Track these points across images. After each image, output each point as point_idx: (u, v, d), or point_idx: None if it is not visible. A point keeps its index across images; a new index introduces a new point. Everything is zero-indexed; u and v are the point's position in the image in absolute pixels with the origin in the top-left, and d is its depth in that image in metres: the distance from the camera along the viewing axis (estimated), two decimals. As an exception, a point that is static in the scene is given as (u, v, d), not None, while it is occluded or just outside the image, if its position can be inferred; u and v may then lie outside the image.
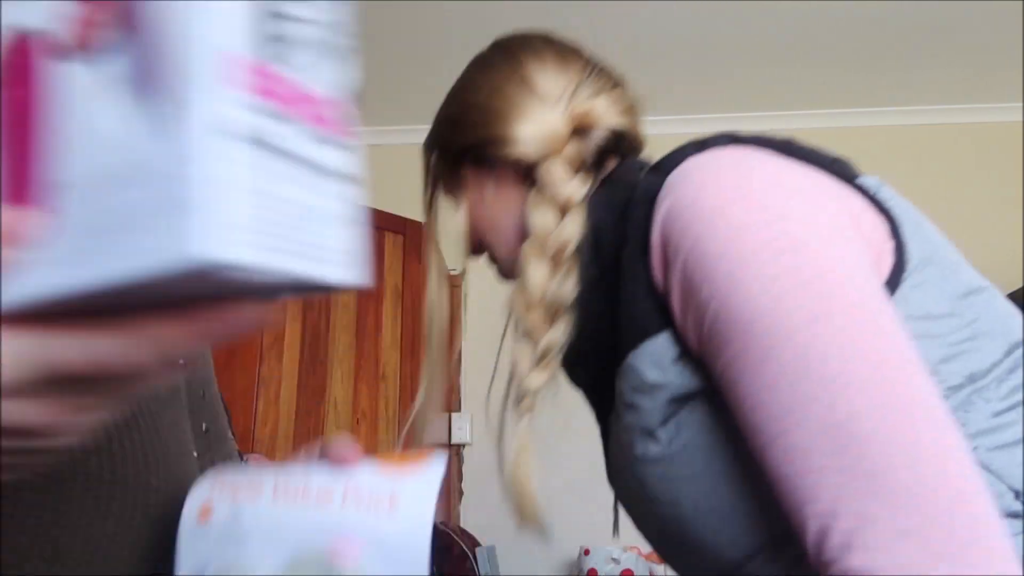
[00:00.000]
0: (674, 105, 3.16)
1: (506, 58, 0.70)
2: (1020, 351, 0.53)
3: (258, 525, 0.45)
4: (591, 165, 0.67)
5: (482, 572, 2.53)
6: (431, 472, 0.46)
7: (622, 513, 0.80)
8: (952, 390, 0.50)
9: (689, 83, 3.03)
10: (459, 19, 2.66)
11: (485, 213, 0.71)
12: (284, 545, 0.44)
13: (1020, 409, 0.51)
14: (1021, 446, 0.50)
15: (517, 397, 0.62)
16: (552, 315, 0.61)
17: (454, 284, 3.58)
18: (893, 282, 0.51)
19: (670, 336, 0.54)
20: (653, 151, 3.09)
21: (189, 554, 0.45)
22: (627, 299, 0.56)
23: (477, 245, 0.74)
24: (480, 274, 3.58)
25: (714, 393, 0.52)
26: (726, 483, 0.53)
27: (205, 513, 0.46)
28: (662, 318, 0.54)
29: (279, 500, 0.45)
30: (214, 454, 0.61)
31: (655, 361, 0.54)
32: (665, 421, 0.54)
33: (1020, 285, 2.49)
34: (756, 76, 2.87)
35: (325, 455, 0.46)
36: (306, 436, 2.51)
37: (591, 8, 2.60)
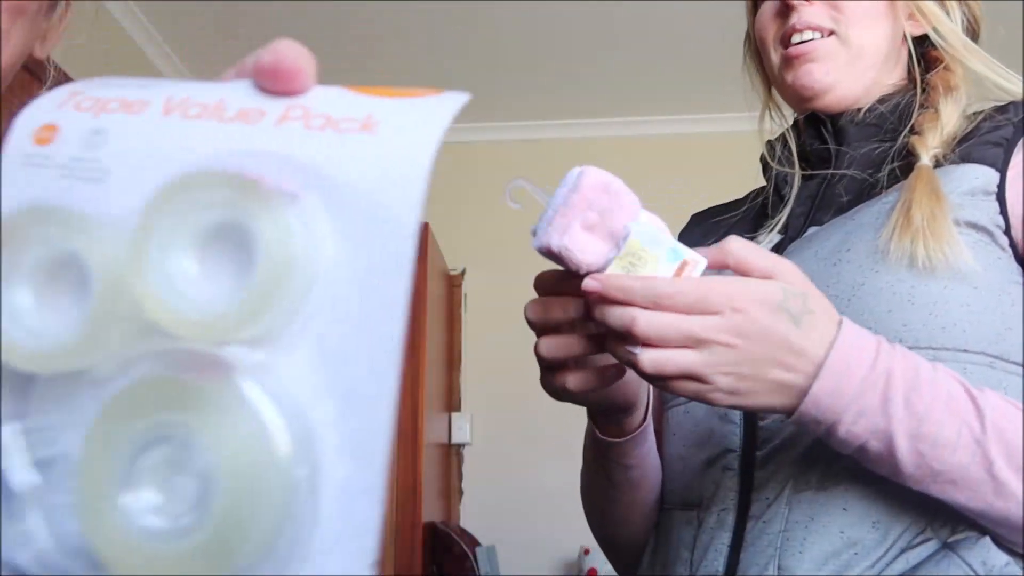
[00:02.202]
0: (674, 105, 3.16)
1: None
2: None
3: (131, 148, 0.29)
4: None
5: (482, 572, 2.53)
6: (440, 101, 0.29)
7: None
8: None
9: (689, 83, 3.03)
10: (461, 19, 2.66)
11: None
12: (164, 173, 0.28)
13: None
14: None
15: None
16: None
17: (454, 284, 3.58)
18: None
19: (996, 177, 0.67)
20: (652, 151, 3.09)
21: (10, 189, 0.30)
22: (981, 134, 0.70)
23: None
24: (480, 274, 3.57)
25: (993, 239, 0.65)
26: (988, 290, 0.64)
27: (46, 133, 0.30)
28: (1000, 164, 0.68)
29: (172, 117, 0.30)
30: None
31: (969, 187, 0.66)
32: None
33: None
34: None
35: (257, 71, 0.31)
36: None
37: (593, 8, 2.60)
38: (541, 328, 0.57)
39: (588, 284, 0.51)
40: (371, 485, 0.25)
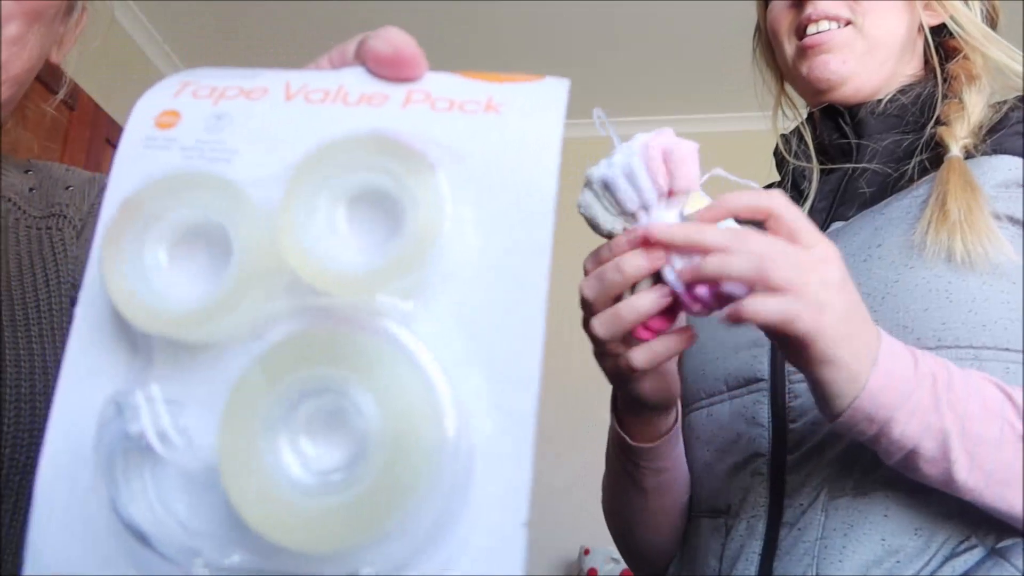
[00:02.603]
0: (675, 105, 3.16)
1: None
2: None
3: (257, 130, 0.30)
4: None
5: (482, 572, 2.53)
6: (550, 84, 0.30)
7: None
8: None
9: (689, 83, 3.03)
10: (461, 19, 2.66)
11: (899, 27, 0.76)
12: (296, 151, 0.29)
13: None
14: None
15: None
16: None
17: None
18: None
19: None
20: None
21: (132, 172, 0.30)
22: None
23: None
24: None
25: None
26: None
27: (168, 118, 0.31)
28: None
29: (295, 101, 0.30)
30: None
31: (1000, 179, 0.64)
32: None
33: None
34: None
35: (375, 59, 0.32)
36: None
37: (593, 8, 2.60)
38: (602, 303, 0.53)
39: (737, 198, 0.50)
40: (520, 445, 0.26)
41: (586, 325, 0.55)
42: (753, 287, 0.47)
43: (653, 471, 0.69)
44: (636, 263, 0.51)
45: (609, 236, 0.53)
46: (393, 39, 0.32)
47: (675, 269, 0.50)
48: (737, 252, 0.48)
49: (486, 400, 0.26)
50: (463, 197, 0.28)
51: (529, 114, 0.29)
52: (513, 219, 0.27)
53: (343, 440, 0.25)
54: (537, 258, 0.27)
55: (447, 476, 0.25)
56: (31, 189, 0.60)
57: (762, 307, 0.47)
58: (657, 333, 0.53)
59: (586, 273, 0.55)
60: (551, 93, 0.30)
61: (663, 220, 0.51)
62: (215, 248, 0.28)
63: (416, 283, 0.27)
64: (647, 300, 0.51)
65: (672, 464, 0.69)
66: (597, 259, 0.54)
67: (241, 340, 0.27)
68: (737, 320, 0.48)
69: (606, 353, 0.56)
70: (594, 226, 0.53)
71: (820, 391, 0.51)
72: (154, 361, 0.28)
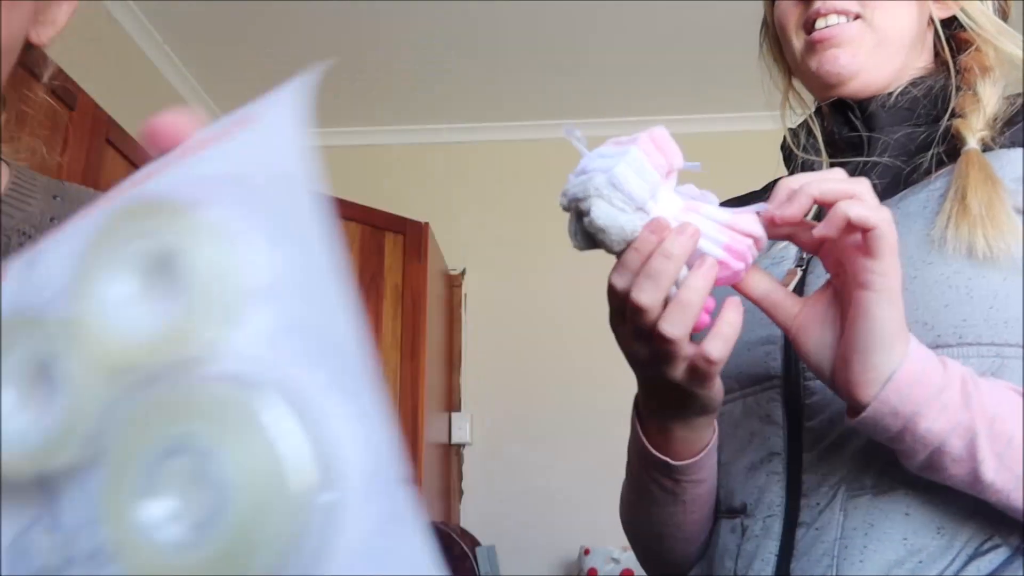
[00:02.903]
0: (676, 105, 3.16)
1: None
2: None
3: (63, 255, 0.32)
4: None
5: (482, 572, 2.53)
6: (298, 80, 0.31)
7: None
8: None
9: (690, 83, 3.03)
10: (462, 19, 2.66)
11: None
12: (80, 243, 0.30)
13: None
14: None
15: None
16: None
17: (454, 284, 3.58)
18: None
19: None
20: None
21: None
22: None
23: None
24: (480, 274, 3.56)
25: None
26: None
27: None
28: None
29: (92, 213, 0.32)
30: None
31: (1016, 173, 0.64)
32: None
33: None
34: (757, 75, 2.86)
35: (147, 146, 0.33)
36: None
37: (593, 8, 2.60)
38: (658, 306, 0.52)
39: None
40: (370, 413, 0.27)
41: (635, 342, 0.55)
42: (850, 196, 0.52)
43: (694, 483, 0.68)
44: (679, 242, 0.51)
45: (626, 244, 0.53)
46: (153, 119, 0.33)
47: (707, 238, 0.53)
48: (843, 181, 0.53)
49: (336, 389, 0.27)
50: (241, 215, 0.28)
51: (275, 107, 0.30)
52: (286, 213, 0.28)
53: (208, 489, 0.27)
54: (316, 238, 0.27)
55: (316, 484, 0.26)
56: (52, 219, 0.60)
57: (860, 206, 0.51)
58: (711, 314, 0.54)
59: (617, 292, 0.54)
60: (295, 87, 0.30)
61: (670, 200, 0.53)
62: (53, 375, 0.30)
63: (226, 317, 0.27)
64: (700, 274, 0.52)
65: (709, 474, 0.69)
66: (627, 268, 0.53)
67: (109, 444, 0.29)
68: (835, 223, 0.51)
69: (676, 357, 0.55)
70: (616, 232, 0.52)
71: (870, 339, 0.51)
72: (59, 489, 0.30)
